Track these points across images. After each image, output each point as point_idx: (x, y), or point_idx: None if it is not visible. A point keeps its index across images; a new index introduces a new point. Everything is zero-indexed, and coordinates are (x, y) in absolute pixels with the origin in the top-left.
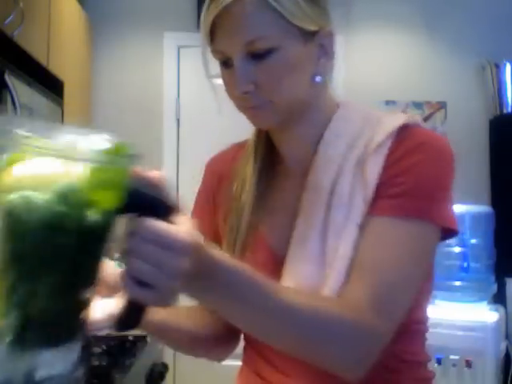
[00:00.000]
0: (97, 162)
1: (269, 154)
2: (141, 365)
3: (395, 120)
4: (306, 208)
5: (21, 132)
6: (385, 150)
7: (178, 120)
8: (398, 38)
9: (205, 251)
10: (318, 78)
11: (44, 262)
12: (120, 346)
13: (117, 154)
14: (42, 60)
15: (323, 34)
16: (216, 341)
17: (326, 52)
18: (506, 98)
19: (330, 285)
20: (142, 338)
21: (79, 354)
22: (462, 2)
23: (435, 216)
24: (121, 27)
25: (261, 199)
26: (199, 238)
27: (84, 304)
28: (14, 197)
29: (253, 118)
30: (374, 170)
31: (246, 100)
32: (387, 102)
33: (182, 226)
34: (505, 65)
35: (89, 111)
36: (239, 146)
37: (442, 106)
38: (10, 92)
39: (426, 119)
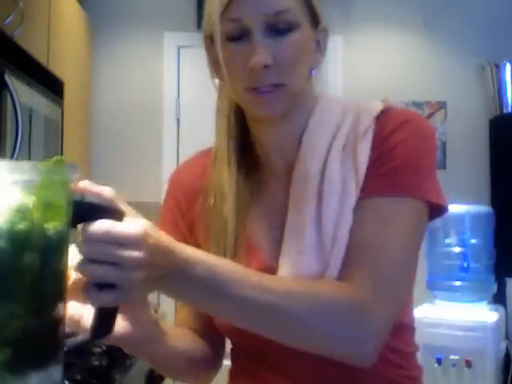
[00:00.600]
0: (40, 175)
1: (244, 157)
2: (141, 365)
3: (376, 105)
4: (296, 200)
5: None
6: (370, 134)
7: (178, 120)
8: (397, 38)
9: (160, 240)
10: (313, 72)
11: (14, 280)
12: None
13: (56, 166)
14: (42, 60)
15: (321, 28)
16: (205, 363)
17: (321, 47)
18: (506, 97)
19: (331, 273)
20: None
21: (62, 376)
22: (462, 3)
23: (424, 192)
24: (121, 27)
25: (245, 208)
26: (150, 227)
27: (59, 321)
28: None
29: (262, 103)
30: (363, 154)
31: (261, 77)
32: None
33: (129, 220)
34: (505, 65)
35: (89, 111)
36: (204, 155)
37: (441, 106)
38: (10, 92)
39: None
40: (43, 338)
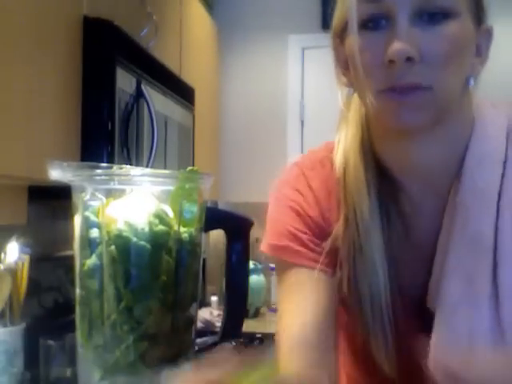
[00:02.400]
0: (178, 181)
1: (380, 175)
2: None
3: None
4: (459, 261)
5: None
6: None
7: (302, 121)
8: None
9: None
10: (470, 81)
11: (153, 278)
12: (249, 343)
13: (191, 175)
14: (175, 69)
15: (483, 30)
16: None
17: (482, 51)
18: None
19: None
20: (270, 337)
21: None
22: None
23: None
24: (246, 33)
25: (393, 244)
26: None
27: (191, 321)
28: (120, 223)
29: (401, 108)
30: None
31: (401, 74)
32: None
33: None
34: None
35: (217, 116)
36: (326, 156)
37: None
38: (146, 101)
39: None
40: (176, 334)
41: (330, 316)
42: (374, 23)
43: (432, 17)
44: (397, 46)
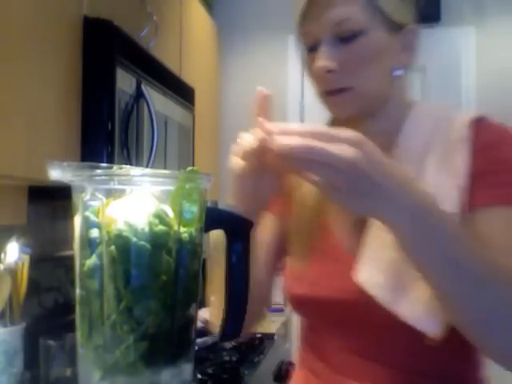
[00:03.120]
0: (178, 181)
1: None
2: (268, 362)
3: (468, 114)
4: None
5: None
6: (468, 142)
7: (302, 121)
8: None
9: (380, 152)
10: (397, 72)
11: (153, 278)
12: (249, 343)
13: (191, 175)
14: (175, 69)
15: (408, 29)
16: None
17: (407, 48)
18: None
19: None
20: (270, 337)
21: (192, 374)
22: None
23: None
24: (246, 33)
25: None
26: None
27: (191, 321)
28: (120, 223)
29: (333, 105)
30: (462, 160)
31: (328, 81)
32: None
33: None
34: None
35: (217, 116)
36: None
37: None
38: (147, 101)
39: None
40: (176, 335)
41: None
42: (312, 47)
43: (345, 38)
44: (318, 64)
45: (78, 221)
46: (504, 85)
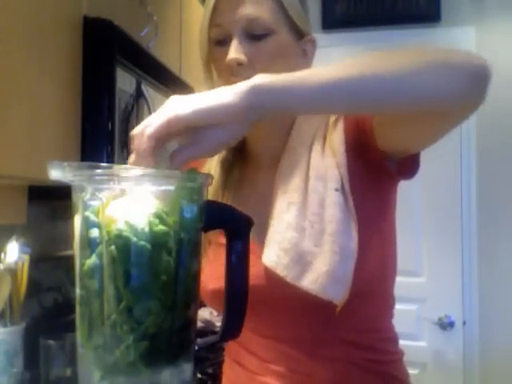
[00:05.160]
0: (178, 181)
1: (235, 146)
2: None
3: None
4: (283, 185)
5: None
6: (341, 124)
7: None
8: None
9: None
10: None
11: (153, 278)
12: None
13: (189, 175)
14: (175, 69)
15: (308, 39)
16: None
17: (306, 56)
18: None
19: (317, 249)
20: None
21: (192, 374)
22: None
23: None
24: None
25: (228, 191)
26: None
27: (191, 321)
28: (120, 223)
29: None
30: (337, 140)
31: (237, 73)
32: None
33: None
34: None
35: None
36: None
37: None
38: (147, 100)
39: None
40: (176, 335)
41: None
42: (222, 42)
43: (255, 36)
44: (230, 56)
45: (77, 221)
46: (504, 85)
